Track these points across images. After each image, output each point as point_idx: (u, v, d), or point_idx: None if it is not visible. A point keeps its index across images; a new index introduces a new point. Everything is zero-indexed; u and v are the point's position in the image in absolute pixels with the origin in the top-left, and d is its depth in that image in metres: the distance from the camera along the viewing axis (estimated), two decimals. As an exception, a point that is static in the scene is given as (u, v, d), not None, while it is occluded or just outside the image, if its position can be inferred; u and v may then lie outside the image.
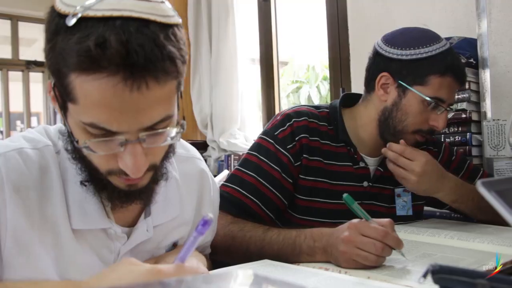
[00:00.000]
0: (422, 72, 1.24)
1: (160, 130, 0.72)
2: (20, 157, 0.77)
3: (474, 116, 1.64)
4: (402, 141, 1.27)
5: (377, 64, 1.32)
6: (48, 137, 0.83)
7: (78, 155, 0.76)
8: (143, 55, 0.64)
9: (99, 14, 0.64)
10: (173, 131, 0.74)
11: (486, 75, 1.61)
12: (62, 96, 0.70)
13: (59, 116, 5.13)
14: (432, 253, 1.04)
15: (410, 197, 1.38)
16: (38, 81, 6.81)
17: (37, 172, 0.78)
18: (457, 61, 1.29)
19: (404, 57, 1.26)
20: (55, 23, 0.67)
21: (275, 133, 1.28)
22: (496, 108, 1.62)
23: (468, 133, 1.64)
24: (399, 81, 1.27)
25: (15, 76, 6.55)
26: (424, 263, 0.96)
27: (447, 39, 1.73)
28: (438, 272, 0.46)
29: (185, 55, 0.70)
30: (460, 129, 1.66)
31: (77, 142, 0.71)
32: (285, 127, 1.28)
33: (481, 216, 1.37)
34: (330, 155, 1.32)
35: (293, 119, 1.29)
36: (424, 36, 1.28)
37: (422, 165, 1.23)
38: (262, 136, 1.30)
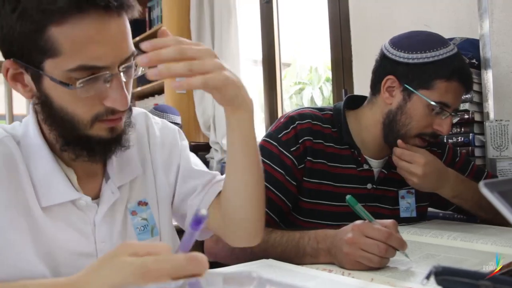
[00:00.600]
0: (428, 76, 1.24)
1: (131, 63, 0.80)
2: None
3: (477, 117, 1.64)
4: (399, 141, 1.27)
5: (384, 67, 1.31)
6: (6, 132, 0.86)
7: (58, 117, 0.79)
8: None
9: None
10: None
11: (488, 76, 1.61)
12: (35, 60, 0.75)
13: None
14: (435, 253, 1.04)
15: (413, 199, 1.38)
16: (41, 84, 6.83)
17: (2, 162, 0.81)
18: (464, 66, 1.28)
19: (410, 61, 1.25)
20: None
21: (279, 136, 1.28)
22: (498, 109, 1.62)
23: (470, 134, 1.64)
24: (405, 85, 1.27)
25: (18, 79, 6.56)
26: (428, 264, 0.96)
27: (449, 39, 1.73)
28: (441, 274, 0.46)
29: None
30: (462, 129, 1.66)
31: (70, 85, 0.74)
32: (288, 130, 1.28)
33: (482, 214, 1.37)
34: (334, 158, 1.32)
35: (297, 122, 1.29)
36: (431, 40, 1.28)
37: (421, 167, 1.24)
38: (266, 138, 1.30)
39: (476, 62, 1.65)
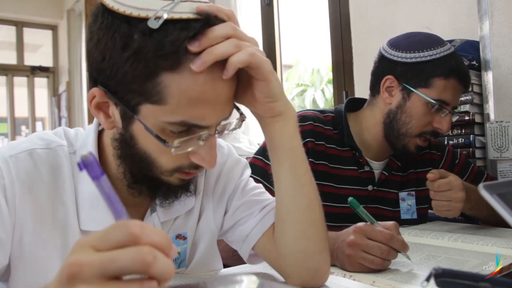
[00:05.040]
0: (426, 74, 1.26)
1: (229, 121, 0.74)
2: (30, 158, 0.77)
3: (477, 118, 1.64)
4: (429, 175, 1.22)
5: (382, 67, 1.33)
6: (66, 138, 0.84)
7: (136, 157, 0.74)
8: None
9: (184, 16, 0.65)
10: (235, 121, 0.77)
11: (488, 77, 1.62)
12: (131, 100, 0.68)
13: (63, 121, 5.14)
14: (436, 254, 1.05)
15: (414, 201, 1.38)
16: (43, 87, 6.85)
17: (48, 173, 0.78)
18: (461, 65, 1.30)
19: (408, 60, 1.27)
20: (127, 27, 0.65)
21: None
22: (499, 110, 1.63)
23: (471, 135, 1.64)
24: (404, 84, 1.29)
25: (20, 82, 6.60)
26: (429, 265, 0.96)
27: (450, 41, 1.73)
28: (441, 276, 0.47)
29: None
30: (463, 131, 1.66)
31: (167, 143, 0.69)
32: None
33: (495, 220, 1.33)
34: (335, 159, 1.32)
35: (299, 124, 1.30)
36: (428, 40, 1.30)
37: (461, 191, 1.20)
38: None
39: (477, 64, 1.66)
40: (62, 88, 6.51)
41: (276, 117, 0.81)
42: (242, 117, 0.77)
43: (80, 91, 5.79)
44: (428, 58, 1.26)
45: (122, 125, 0.73)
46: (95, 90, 0.71)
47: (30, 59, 6.66)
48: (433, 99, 1.26)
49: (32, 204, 0.76)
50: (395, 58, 1.29)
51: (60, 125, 6.51)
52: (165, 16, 0.64)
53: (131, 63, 0.65)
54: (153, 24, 0.63)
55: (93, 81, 0.72)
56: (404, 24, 2.12)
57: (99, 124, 0.83)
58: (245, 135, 3.35)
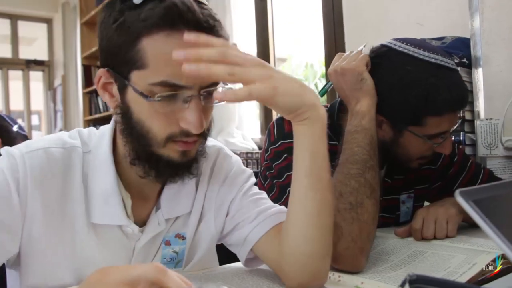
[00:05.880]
0: (417, 115, 1.14)
1: (214, 88, 0.79)
2: (45, 155, 0.83)
3: (468, 116, 1.65)
4: (399, 233, 1.21)
5: None
6: (80, 139, 0.89)
7: (134, 130, 0.80)
8: (211, 20, 0.78)
9: None
10: (221, 89, 0.81)
11: (479, 75, 1.62)
12: (124, 70, 0.78)
13: (59, 115, 5.11)
14: (423, 250, 1.06)
15: (412, 202, 1.37)
16: (38, 80, 6.83)
17: (60, 170, 0.84)
18: (453, 94, 1.12)
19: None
20: (120, 5, 0.76)
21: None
22: (489, 108, 1.63)
23: (461, 133, 1.65)
24: (394, 126, 1.18)
25: (15, 75, 6.58)
26: (416, 265, 0.98)
27: (441, 38, 1.74)
28: (415, 282, 0.48)
29: None
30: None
31: (149, 97, 0.76)
32: None
33: None
34: None
35: None
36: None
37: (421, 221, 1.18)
38: (284, 141, 1.20)
39: (467, 61, 1.66)
40: (57, 81, 6.50)
41: (302, 121, 0.81)
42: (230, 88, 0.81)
43: (75, 84, 5.77)
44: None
45: (121, 98, 0.81)
46: (101, 71, 0.81)
47: (25, 53, 6.63)
48: (428, 135, 1.15)
49: (42, 198, 0.81)
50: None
51: (55, 118, 6.51)
52: None
53: (118, 33, 0.76)
54: (137, 1, 0.74)
55: (101, 65, 0.82)
56: (397, 19, 2.12)
57: (115, 124, 0.88)
58: (239, 130, 3.36)
